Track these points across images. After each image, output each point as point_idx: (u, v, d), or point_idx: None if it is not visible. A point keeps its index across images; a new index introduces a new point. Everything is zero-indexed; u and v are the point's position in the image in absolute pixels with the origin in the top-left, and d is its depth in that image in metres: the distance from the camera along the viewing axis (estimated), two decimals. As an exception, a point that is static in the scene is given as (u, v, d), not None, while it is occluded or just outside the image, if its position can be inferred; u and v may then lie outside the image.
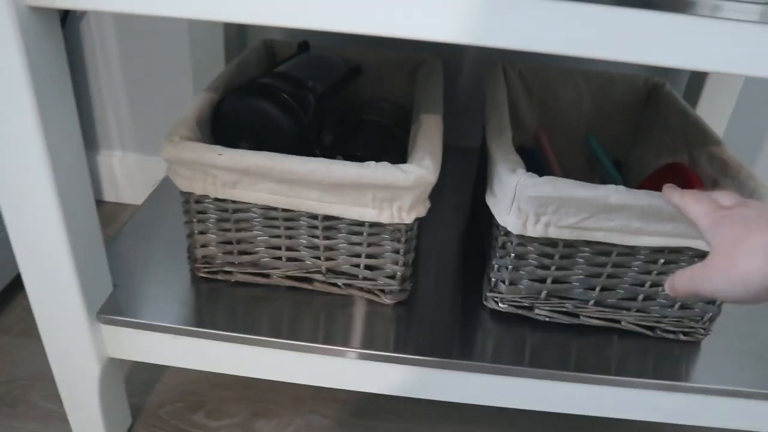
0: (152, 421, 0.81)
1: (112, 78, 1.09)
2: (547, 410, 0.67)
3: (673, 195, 0.53)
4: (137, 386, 0.85)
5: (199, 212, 0.66)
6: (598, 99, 0.90)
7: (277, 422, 0.82)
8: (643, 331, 0.68)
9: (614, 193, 0.57)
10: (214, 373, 0.68)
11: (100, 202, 1.23)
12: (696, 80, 0.98)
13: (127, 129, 1.14)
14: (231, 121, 0.69)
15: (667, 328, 0.67)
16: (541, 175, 0.58)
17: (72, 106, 0.56)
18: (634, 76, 0.90)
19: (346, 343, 0.64)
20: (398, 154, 0.61)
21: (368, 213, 0.61)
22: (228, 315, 0.67)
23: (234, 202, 0.64)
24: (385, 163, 0.58)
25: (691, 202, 0.48)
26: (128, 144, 1.16)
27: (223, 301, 0.68)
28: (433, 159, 0.60)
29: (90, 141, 1.17)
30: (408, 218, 0.61)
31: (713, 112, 0.96)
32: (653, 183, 0.75)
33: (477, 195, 0.68)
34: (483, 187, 0.68)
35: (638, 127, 0.90)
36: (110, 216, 1.19)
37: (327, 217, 0.63)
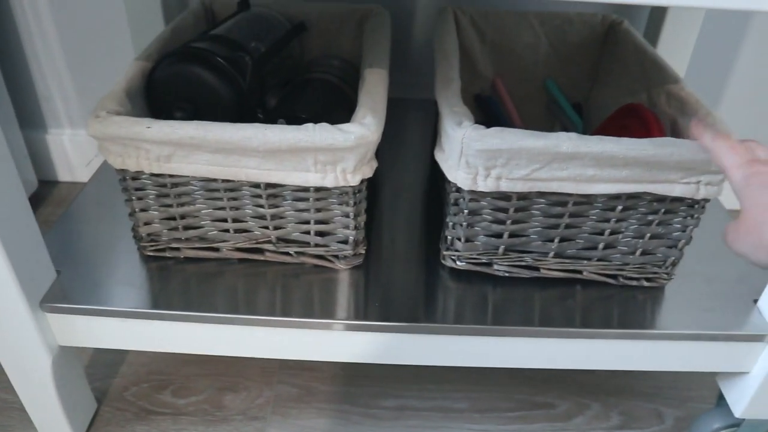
0: (118, 405, 0.79)
1: (50, 52, 1.04)
2: (514, 366, 0.66)
3: (703, 136, 0.50)
4: (101, 369, 0.83)
5: (137, 189, 0.62)
6: (555, 41, 0.86)
7: (245, 395, 0.80)
8: (606, 279, 0.66)
9: (565, 141, 0.54)
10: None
11: (54, 183, 1.18)
12: (656, 18, 0.94)
13: (73, 104, 1.09)
14: (164, 90, 0.65)
15: (630, 275, 0.66)
16: (499, 123, 0.56)
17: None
18: (592, 14, 0.86)
19: (305, 314, 0.62)
20: (349, 113, 0.58)
21: (311, 178, 0.58)
22: (180, 293, 0.64)
23: (171, 176, 0.60)
24: (324, 124, 0.55)
25: (724, 150, 0.46)
26: (76, 120, 1.12)
27: (174, 279, 0.66)
28: (374, 116, 0.56)
29: (37, 120, 1.12)
30: (353, 180, 0.58)
31: (674, 51, 0.92)
32: (611, 125, 0.73)
33: (433, 150, 0.65)
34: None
35: (598, 67, 0.87)
36: (66, 197, 1.15)
37: (269, 185, 0.60)
